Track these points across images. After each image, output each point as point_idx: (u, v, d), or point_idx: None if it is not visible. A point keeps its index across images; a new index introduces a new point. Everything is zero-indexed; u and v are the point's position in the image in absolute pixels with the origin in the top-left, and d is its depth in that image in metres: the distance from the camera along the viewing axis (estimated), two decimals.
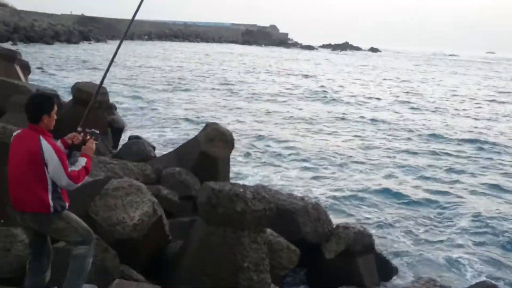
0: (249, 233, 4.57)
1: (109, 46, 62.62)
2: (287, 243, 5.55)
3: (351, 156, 14.08)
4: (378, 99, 28.44)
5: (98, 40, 73.78)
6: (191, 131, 14.91)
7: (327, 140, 16.51)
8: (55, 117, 3.62)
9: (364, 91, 32.52)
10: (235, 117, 19.59)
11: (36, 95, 3.93)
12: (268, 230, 5.23)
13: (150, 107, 20.37)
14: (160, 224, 5.08)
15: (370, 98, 28.50)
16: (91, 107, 4.07)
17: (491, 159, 14.88)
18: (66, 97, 14.31)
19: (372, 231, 7.98)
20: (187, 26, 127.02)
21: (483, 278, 7.13)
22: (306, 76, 41.55)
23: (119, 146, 10.49)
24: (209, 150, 7.39)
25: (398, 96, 30.36)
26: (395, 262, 7.29)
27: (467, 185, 11.95)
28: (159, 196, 5.99)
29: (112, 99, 14.66)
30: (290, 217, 6.29)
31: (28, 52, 39.70)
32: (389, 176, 12.33)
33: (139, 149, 8.94)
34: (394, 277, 6.88)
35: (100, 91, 4.28)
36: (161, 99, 22.74)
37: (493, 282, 6.60)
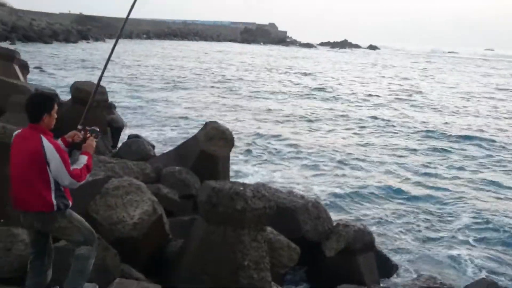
0: (249, 231, 4.57)
1: (108, 45, 62.33)
2: (287, 241, 5.56)
3: (351, 153, 14.09)
4: (378, 96, 28.45)
5: (96, 39, 73.60)
6: (191, 130, 14.90)
7: (327, 137, 16.52)
8: (56, 116, 3.61)
9: (363, 88, 32.51)
10: (235, 115, 19.58)
11: (36, 95, 3.93)
12: (268, 228, 5.23)
13: (149, 105, 20.35)
14: (160, 223, 5.09)
15: (369, 95, 28.49)
16: (89, 106, 4.06)
17: (490, 156, 14.89)
18: (65, 97, 14.28)
19: (372, 228, 8.00)
20: (186, 24, 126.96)
21: (484, 275, 7.14)
22: (305, 74, 41.54)
23: (119, 145, 10.48)
24: (209, 148, 7.39)
25: (397, 94, 30.35)
26: (396, 259, 7.29)
27: (467, 182, 11.96)
28: (159, 195, 5.98)
29: (111, 98, 14.66)
30: (290, 215, 6.29)
31: (27, 51, 39.55)
32: (389, 173, 12.35)
33: (138, 148, 8.95)
34: (395, 275, 6.89)
35: (98, 90, 4.29)
36: (161, 98, 22.70)
37: (494, 278, 6.61)
